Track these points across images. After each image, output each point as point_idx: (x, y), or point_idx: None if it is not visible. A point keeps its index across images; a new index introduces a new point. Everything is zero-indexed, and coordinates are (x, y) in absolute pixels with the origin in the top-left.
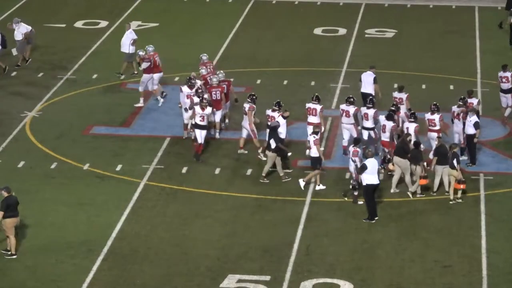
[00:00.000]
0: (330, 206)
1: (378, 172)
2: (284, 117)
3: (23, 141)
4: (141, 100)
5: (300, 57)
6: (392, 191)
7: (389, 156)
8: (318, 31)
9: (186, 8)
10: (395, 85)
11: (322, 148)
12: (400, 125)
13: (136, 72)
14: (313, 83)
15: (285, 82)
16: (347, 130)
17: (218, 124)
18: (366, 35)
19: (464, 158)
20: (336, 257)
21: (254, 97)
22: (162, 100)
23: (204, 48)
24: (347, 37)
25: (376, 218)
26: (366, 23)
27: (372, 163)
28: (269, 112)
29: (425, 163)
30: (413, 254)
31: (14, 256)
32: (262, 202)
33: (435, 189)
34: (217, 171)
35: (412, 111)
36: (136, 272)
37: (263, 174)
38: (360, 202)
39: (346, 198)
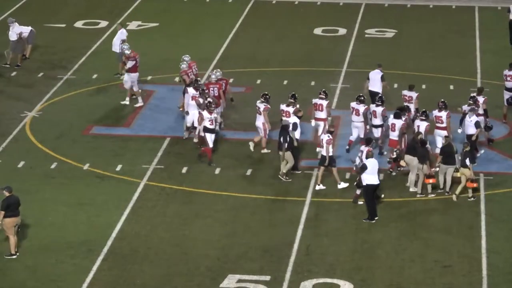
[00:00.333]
0: (330, 206)
1: (378, 172)
2: (298, 117)
3: (23, 141)
4: (127, 99)
5: (300, 57)
6: (411, 190)
7: (395, 155)
8: (318, 31)
9: (186, 8)
10: (395, 85)
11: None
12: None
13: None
14: (313, 83)
15: (285, 82)
16: (356, 128)
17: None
18: (366, 35)
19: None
20: (336, 257)
21: (267, 96)
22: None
23: (204, 48)
24: (347, 37)
25: (376, 218)
26: (366, 23)
27: (372, 163)
28: (283, 107)
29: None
30: (413, 254)
31: (14, 256)
32: (262, 202)
33: (441, 186)
34: (217, 171)
35: (424, 110)
36: (136, 272)
37: (284, 172)
38: (360, 202)
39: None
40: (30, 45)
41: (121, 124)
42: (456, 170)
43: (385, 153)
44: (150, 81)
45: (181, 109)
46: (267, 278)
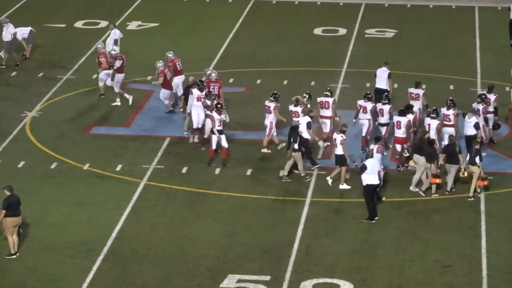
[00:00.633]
0: (330, 206)
1: (379, 172)
2: (310, 117)
3: (23, 141)
4: (117, 100)
5: (300, 57)
6: (411, 189)
7: (408, 153)
8: (318, 31)
9: (186, 8)
10: (395, 85)
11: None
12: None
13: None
14: (313, 83)
15: (285, 82)
16: (363, 126)
17: None
18: (366, 35)
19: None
20: (336, 257)
21: (277, 95)
22: (131, 101)
23: (204, 48)
24: (347, 37)
25: (376, 218)
26: (366, 23)
27: (372, 163)
28: (291, 107)
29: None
30: (413, 254)
31: (14, 256)
32: (262, 202)
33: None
34: (217, 171)
35: (434, 107)
36: (136, 272)
37: (302, 174)
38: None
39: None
40: (30, 45)
41: (121, 124)
42: (459, 170)
43: (385, 153)
44: (150, 81)
45: (181, 110)
46: (267, 278)
